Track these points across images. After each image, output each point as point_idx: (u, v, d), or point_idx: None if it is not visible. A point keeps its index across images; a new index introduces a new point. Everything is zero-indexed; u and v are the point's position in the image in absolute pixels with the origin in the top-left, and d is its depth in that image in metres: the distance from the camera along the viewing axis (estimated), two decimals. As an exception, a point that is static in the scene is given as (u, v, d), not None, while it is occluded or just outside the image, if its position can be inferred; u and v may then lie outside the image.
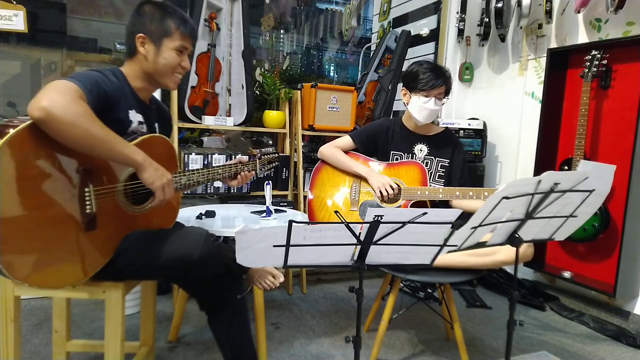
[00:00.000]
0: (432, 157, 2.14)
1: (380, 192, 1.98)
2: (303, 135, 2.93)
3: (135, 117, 1.42)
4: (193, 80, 2.68)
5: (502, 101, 3.19)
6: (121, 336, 1.38)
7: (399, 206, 2.00)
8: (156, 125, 1.56)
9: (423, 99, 2.02)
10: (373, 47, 3.81)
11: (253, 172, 1.73)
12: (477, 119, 3.22)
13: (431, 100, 2.02)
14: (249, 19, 2.82)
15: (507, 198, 1.19)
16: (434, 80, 2.00)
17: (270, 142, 3.35)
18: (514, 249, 1.40)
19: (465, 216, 1.20)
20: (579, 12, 2.55)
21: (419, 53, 3.69)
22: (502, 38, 3.10)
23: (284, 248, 1.11)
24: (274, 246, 1.11)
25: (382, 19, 4.22)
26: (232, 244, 1.16)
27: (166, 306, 2.42)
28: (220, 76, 2.79)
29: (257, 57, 4.10)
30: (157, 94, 1.63)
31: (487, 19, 3.11)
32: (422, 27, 3.71)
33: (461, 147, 2.18)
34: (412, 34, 3.29)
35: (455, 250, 1.28)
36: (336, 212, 1.67)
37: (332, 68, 4.77)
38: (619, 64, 2.44)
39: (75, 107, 1.14)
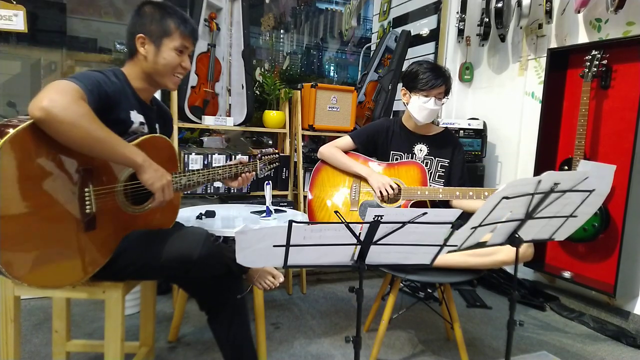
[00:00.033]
0: (432, 157, 2.14)
1: (380, 192, 1.98)
2: (303, 135, 2.93)
3: (136, 117, 1.42)
4: (193, 80, 2.68)
5: (502, 101, 3.19)
6: (121, 336, 1.38)
7: (399, 206, 2.00)
8: (157, 125, 1.56)
9: (423, 99, 2.02)
10: (373, 47, 3.81)
11: (253, 172, 1.73)
12: (477, 119, 3.22)
13: (431, 100, 2.02)
14: (249, 19, 2.83)
15: (507, 198, 1.19)
16: (434, 80, 2.00)
17: (270, 142, 3.35)
18: (514, 249, 1.40)
19: (465, 216, 1.20)
20: (579, 12, 2.55)
21: (419, 53, 3.69)
22: (502, 38, 3.10)
23: (284, 248, 1.11)
24: (274, 246, 1.11)
25: (382, 19, 4.22)
26: (232, 244, 1.16)
27: (166, 306, 2.42)
28: (220, 76, 2.79)
29: (257, 57, 4.10)
30: (156, 94, 1.62)
31: (487, 19, 3.11)
32: (422, 27, 3.71)
33: (461, 147, 2.18)
34: (412, 34, 3.29)
35: (455, 250, 1.28)
36: (336, 212, 1.67)
37: (332, 68, 4.77)
38: (619, 64, 2.44)
39: (75, 107, 1.14)
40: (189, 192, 2.01)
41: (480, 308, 2.67)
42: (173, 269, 1.37)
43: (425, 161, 2.13)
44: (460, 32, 3.30)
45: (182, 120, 2.62)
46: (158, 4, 1.46)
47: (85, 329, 2.12)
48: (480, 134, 3.12)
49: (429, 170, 2.09)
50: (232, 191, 2.67)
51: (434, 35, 3.59)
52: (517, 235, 1.37)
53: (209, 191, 2.61)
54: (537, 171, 2.71)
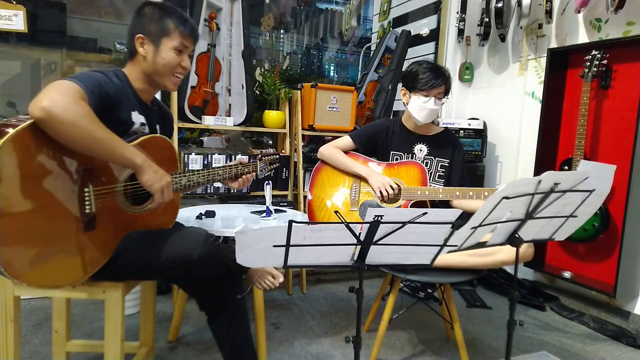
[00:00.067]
0: (432, 157, 2.14)
1: (380, 192, 1.98)
2: (303, 135, 2.93)
3: (137, 118, 1.42)
4: (193, 80, 2.68)
5: (502, 101, 3.19)
6: (121, 336, 1.38)
7: (399, 206, 2.00)
8: (157, 126, 1.56)
9: (423, 99, 2.02)
10: (373, 47, 3.81)
11: (253, 173, 1.73)
12: (477, 119, 3.22)
13: (431, 100, 2.02)
14: (249, 19, 2.82)
15: (507, 198, 1.19)
16: (434, 80, 2.00)
17: (270, 142, 3.35)
18: (514, 249, 1.40)
19: (465, 216, 1.20)
20: (579, 12, 2.55)
21: (419, 53, 3.69)
22: (502, 38, 3.10)
23: (284, 248, 1.11)
24: (274, 246, 1.11)
25: (382, 19, 4.22)
26: (232, 244, 1.16)
27: (166, 306, 2.42)
28: (220, 76, 2.79)
29: (257, 57, 4.10)
30: (156, 94, 1.62)
31: (487, 19, 3.11)
32: (422, 27, 3.71)
33: (461, 147, 2.18)
34: (412, 34, 3.29)
35: (455, 250, 1.28)
36: (336, 212, 1.67)
37: (332, 68, 4.77)
38: (619, 64, 2.44)
39: (76, 107, 1.14)
40: (189, 192, 2.01)
41: (480, 308, 2.67)
42: (173, 269, 1.37)
43: (425, 161, 2.13)
44: (460, 32, 3.30)
45: (182, 120, 2.62)
46: (158, 5, 1.46)
47: (85, 329, 2.12)
48: (480, 134, 3.12)
49: (429, 170, 2.09)
50: (232, 191, 2.67)
51: (434, 35, 3.59)
52: (517, 235, 1.37)
53: (209, 191, 2.61)
54: (537, 171, 2.71)
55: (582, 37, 2.66)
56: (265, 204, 2.11)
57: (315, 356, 2.00)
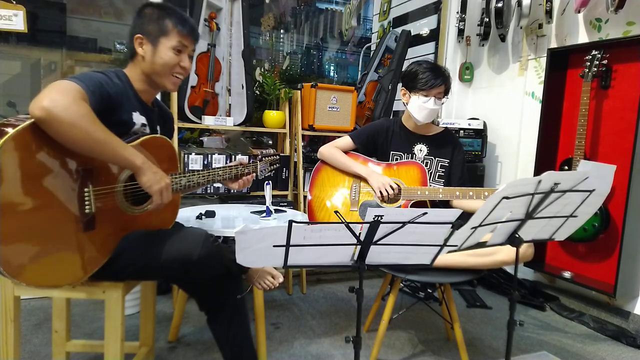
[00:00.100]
0: (432, 157, 2.14)
1: (380, 192, 1.98)
2: (303, 135, 2.93)
3: (138, 119, 1.42)
4: (193, 80, 2.68)
5: (502, 101, 3.19)
6: (121, 336, 1.38)
7: (399, 206, 2.00)
8: (158, 127, 1.56)
9: (422, 99, 2.02)
10: (373, 47, 3.81)
11: (254, 174, 1.73)
12: (477, 119, 3.22)
13: (430, 100, 2.02)
14: (249, 19, 2.83)
15: (507, 198, 1.19)
16: (433, 79, 2.00)
17: (270, 142, 3.35)
18: (514, 249, 1.40)
19: (465, 216, 1.20)
20: (579, 12, 2.55)
21: (419, 53, 3.69)
22: (502, 38, 3.10)
23: (284, 248, 1.11)
24: (274, 246, 1.11)
25: (382, 19, 4.22)
26: (232, 244, 1.16)
27: (166, 306, 2.42)
28: (220, 76, 2.79)
29: (257, 57, 4.10)
30: (157, 95, 1.62)
31: (487, 19, 3.11)
32: (422, 27, 3.71)
33: (461, 147, 2.18)
34: (412, 34, 3.29)
35: (455, 250, 1.28)
36: (336, 212, 1.66)
37: (332, 68, 4.77)
38: (619, 64, 2.44)
39: (76, 107, 1.14)
40: (189, 193, 2.01)
41: (480, 308, 2.67)
42: (173, 269, 1.37)
43: (425, 161, 2.13)
44: (460, 32, 3.30)
45: (182, 120, 2.62)
46: (158, 5, 1.46)
47: (85, 329, 2.12)
48: (480, 134, 3.12)
49: (428, 170, 2.09)
50: (232, 191, 2.67)
51: (434, 35, 3.59)
52: (517, 235, 1.37)
53: (209, 191, 2.61)
54: (537, 171, 2.71)
55: (582, 37, 2.66)
56: (265, 204, 2.11)
57: (315, 356, 2.00)
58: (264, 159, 1.81)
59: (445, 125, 2.80)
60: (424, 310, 2.55)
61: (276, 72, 3.77)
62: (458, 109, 3.47)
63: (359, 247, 1.18)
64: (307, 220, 1.69)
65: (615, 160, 2.41)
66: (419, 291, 2.72)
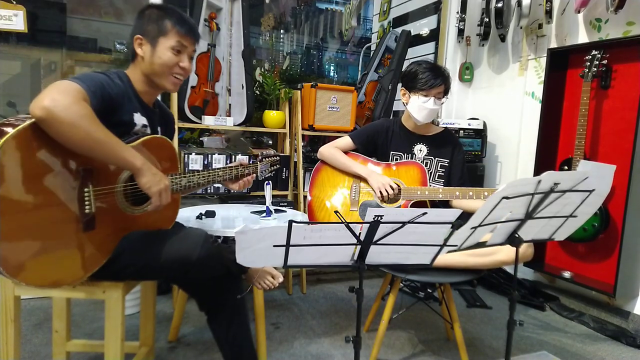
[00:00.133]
0: (432, 157, 2.14)
1: (380, 192, 1.98)
2: (303, 135, 2.93)
3: (140, 120, 1.43)
4: (193, 80, 2.68)
5: (502, 101, 3.19)
6: (121, 336, 1.38)
7: (399, 206, 2.00)
8: (159, 129, 1.57)
9: (422, 99, 2.02)
10: (373, 47, 3.81)
11: (254, 174, 1.73)
12: (477, 119, 3.22)
13: (430, 100, 2.02)
14: (249, 19, 2.83)
15: (507, 198, 1.19)
16: (433, 79, 2.00)
17: (270, 142, 3.35)
18: (514, 249, 1.40)
19: (465, 216, 1.20)
20: (579, 12, 2.55)
21: (419, 53, 3.69)
22: (502, 38, 3.10)
23: (284, 248, 1.11)
24: (274, 246, 1.11)
25: (382, 19, 4.22)
26: (232, 244, 1.16)
27: (166, 306, 2.42)
28: (220, 76, 2.79)
29: (257, 57, 4.10)
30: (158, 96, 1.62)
31: (487, 19, 3.11)
32: (422, 27, 3.71)
33: (461, 147, 2.18)
34: (412, 34, 3.29)
35: (455, 250, 1.28)
36: (336, 212, 1.67)
37: (332, 68, 4.77)
38: (619, 64, 2.44)
39: (76, 108, 1.14)
40: (189, 194, 2.01)
41: (480, 308, 2.67)
42: (172, 269, 1.37)
43: (425, 161, 2.13)
44: (460, 32, 3.30)
45: (182, 120, 2.62)
46: (159, 7, 1.47)
47: (85, 329, 2.12)
48: (480, 134, 3.12)
49: (428, 170, 2.09)
50: (232, 191, 2.67)
51: (434, 35, 3.59)
52: (517, 235, 1.37)
53: (209, 191, 2.61)
54: (537, 171, 2.71)
55: (582, 37, 2.66)
56: (265, 204, 2.11)
57: (315, 356, 2.00)
58: (264, 159, 1.81)
59: (445, 125, 2.80)
60: (424, 310, 2.56)
61: (276, 72, 3.77)
62: (458, 109, 3.47)
63: (359, 247, 1.18)
64: (307, 220, 1.69)
65: (615, 160, 2.41)
66: (419, 291, 2.72)
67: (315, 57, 4.72)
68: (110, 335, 1.37)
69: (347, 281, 3.01)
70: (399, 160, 2.13)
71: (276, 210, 2.21)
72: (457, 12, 3.29)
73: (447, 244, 1.22)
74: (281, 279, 1.72)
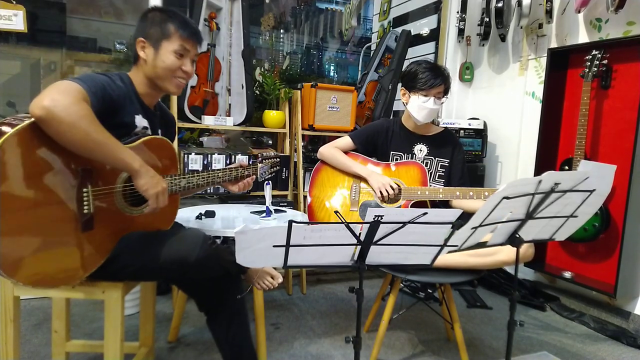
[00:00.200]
0: (432, 157, 2.14)
1: (381, 192, 1.98)
2: (303, 135, 2.93)
3: (141, 122, 1.43)
4: (193, 80, 2.67)
5: (503, 101, 3.19)
6: (121, 336, 1.38)
7: (399, 206, 1.99)
8: (159, 131, 1.57)
9: (422, 99, 2.02)
10: (373, 47, 3.81)
11: (254, 176, 1.73)
12: (477, 118, 3.22)
13: (430, 100, 2.01)
14: (248, 19, 2.82)
15: (507, 198, 1.19)
16: (433, 79, 2.00)
17: (270, 142, 3.35)
18: (515, 249, 1.39)
19: (466, 216, 1.20)
20: (579, 11, 2.55)
21: (419, 53, 3.69)
22: (503, 38, 3.09)
23: (284, 248, 1.11)
24: (274, 246, 1.10)
25: (382, 19, 4.22)
26: (232, 245, 1.16)
27: (166, 306, 2.42)
28: (220, 76, 2.79)
29: (257, 56, 4.10)
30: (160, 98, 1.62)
31: (488, 19, 3.11)
32: (422, 26, 3.71)
33: (461, 146, 2.18)
34: (412, 34, 3.29)
35: (455, 251, 1.28)
36: (336, 212, 1.67)
37: (332, 68, 4.77)
38: (620, 64, 2.44)
39: (76, 108, 1.14)
40: (188, 196, 2.01)
41: (481, 308, 2.67)
42: (171, 271, 1.36)
43: (425, 161, 2.13)
44: (461, 31, 3.30)
45: (182, 120, 2.62)
46: (161, 9, 1.47)
47: (85, 329, 2.12)
48: (480, 134, 3.12)
49: (429, 170, 2.09)
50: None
51: (434, 35, 3.59)
52: (517, 236, 1.36)
53: (208, 191, 2.61)
54: (538, 171, 2.71)
55: (583, 37, 2.65)
56: (265, 204, 2.11)
57: (315, 356, 2.00)
58: (264, 161, 1.81)
59: (445, 125, 2.80)
60: (424, 310, 2.55)
61: (276, 72, 3.76)
62: (458, 109, 3.47)
63: (359, 247, 1.18)
64: (307, 220, 1.68)
65: (616, 160, 2.41)
66: (419, 291, 2.72)
67: (315, 57, 4.72)
68: (109, 335, 1.37)
69: (347, 281, 3.01)
70: (399, 160, 2.12)
71: (276, 211, 2.21)
72: (457, 12, 3.28)
73: (448, 244, 1.22)
74: (281, 280, 1.72)
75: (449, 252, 1.26)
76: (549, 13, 2.72)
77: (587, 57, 2.41)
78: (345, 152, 2.15)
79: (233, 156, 2.62)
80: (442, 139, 2.17)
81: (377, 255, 1.22)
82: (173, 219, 1.57)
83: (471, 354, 2.00)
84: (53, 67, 3.25)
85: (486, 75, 3.35)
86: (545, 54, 2.75)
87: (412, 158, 2.13)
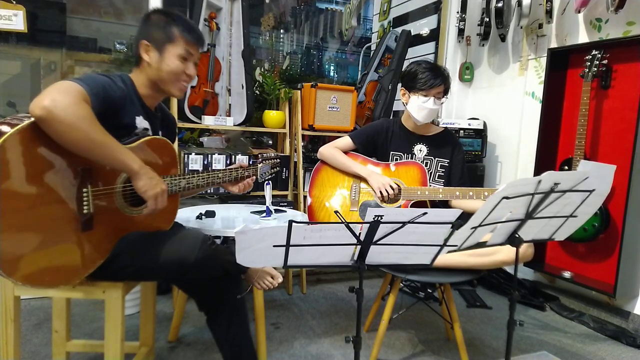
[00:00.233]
0: (432, 157, 2.14)
1: (381, 192, 1.98)
2: (303, 135, 2.93)
3: (141, 123, 1.43)
4: (193, 80, 2.67)
5: (502, 101, 3.19)
6: (121, 336, 1.38)
7: (399, 206, 2.00)
8: (160, 133, 1.57)
9: (422, 99, 2.02)
10: (373, 47, 3.81)
11: (254, 177, 1.73)
12: (477, 119, 3.22)
13: (430, 100, 2.01)
14: (248, 19, 2.82)
15: (507, 198, 1.19)
16: (433, 79, 2.00)
17: (270, 142, 3.35)
18: (514, 249, 1.39)
19: (465, 216, 1.20)
20: (579, 12, 2.55)
21: (419, 53, 3.69)
22: (503, 38, 3.10)
23: (284, 248, 1.11)
24: (274, 246, 1.11)
25: (382, 19, 4.22)
26: (231, 245, 1.16)
27: (166, 306, 2.42)
28: (220, 76, 2.79)
29: (257, 57, 4.10)
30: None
31: (488, 19, 3.11)
32: (422, 26, 3.71)
33: (460, 147, 2.18)
34: (412, 34, 3.29)
35: (455, 250, 1.28)
36: (336, 212, 1.67)
37: (332, 68, 4.77)
38: (619, 64, 2.44)
39: (76, 108, 1.14)
40: (188, 197, 2.01)
41: (480, 308, 2.67)
42: (170, 271, 1.37)
43: (425, 161, 2.13)
44: (461, 31, 3.30)
45: (182, 120, 2.62)
46: (165, 12, 1.47)
47: (85, 329, 2.12)
48: (480, 134, 3.12)
49: (428, 171, 2.09)
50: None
51: (434, 35, 3.59)
52: (517, 235, 1.36)
53: (209, 191, 2.61)
54: (537, 171, 2.71)
55: (582, 37, 2.66)
56: (265, 204, 2.11)
57: (315, 356, 2.00)
58: (264, 161, 1.81)
59: (445, 125, 2.80)
60: (424, 310, 2.55)
61: (276, 72, 3.77)
62: (458, 109, 3.47)
63: (359, 247, 1.18)
64: (307, 220, 1.69)
65: (615, 160, 2.41)
66: (419, 291, 2.72)
67: (315, 57, 4.73)
68: (110, 335, 1.37)
69: (347, 281, 3.01)
70: (398, 161, 2.13)
71: (276, 210, 2.21)
72: (457, 12, 3.29)
73: (447, 244, 1.22)
74: (280, 279, 1.72)
75: (449, 252, 1.27)
76: (549, 13, 2.72)
77: (587, 57, 2.41)
78: (345, 152, 2.15)
79: (233, 156, 2.62)
80: (441, 139, 2.17)
81: (377, 255, 1.22)
82: (173, 219, 1.57)
83: (471, 353, 2.00)
84: (53, 67, 3.25)
85: (486, 75, 3.35)
86: (545, 54, 2.75)
87: (411, 158, 2.13)
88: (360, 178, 2.08)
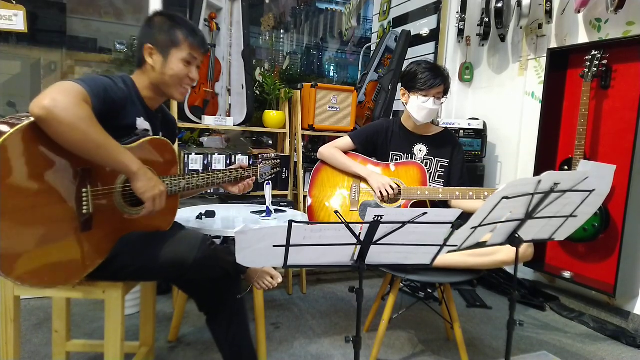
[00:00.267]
0: (432, 157, 2.14)
1: (380, 192, 1.98)
2: (303, 135, 2.93)
3: (142, 124, 1.43)
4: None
5: (502, 101, 3.19)
6: (121, 336, 1.38)
7: (399, 206, 2.00)
8: (160, 133, 1.57)
9: (422, 99, 2.02)
10: (373, 47, 3.81)
11: (254, 177, 1.73)
12: (477, 119, 3.22)
13: (430, 100, 2.02)
14: (249, 19, 2.82)
15: (507, 198, 1.19)
16: (433, 79, 2.00)
17: (270, 142, 3.35)
18: (514, 249, 1.40)
19: (465, 216, 1.20)
20: (579, 12, 2.55)
21: (419, 53, 3.69)
22: (502, 38, 3.10)
23: (284, 248, 1.11)
24: (274, 246, 1.11)
25: (382, 19, 4.22)
26: (231, 245, 1.16)
27: (166, 306, 2.42)
28: (220, 76, 2.79)
29: (257, 57, 4.10)
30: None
31: (487, 19, 3.11)
32: (422, 27, 3.71)
33: (460, 147, 2.18)
34: (412, 34, 3.29)
35: (455, 250, 1.28)
36: (336, 212, 1.67)
37: (332, 68, 4.77)
38: (619, 64, 2.44)
39: (76, 109, 1.14)
40: (188, 198, 2.01)
41: (480, 308, 2.67)
42: (169, 272, 1.37)
43: (424, 161, 2.13)
44: (460, 32, 3.30)
45: (182, 120, 2.62)
46: (168, 15, 1.47)
47: (85, 329, 2.12)
48: (480, 134, 3.12)
49: (428, 171, 2.09)
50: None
51: (434, 35, 3.59)
52: (517, 235, 1.36)
53: (209, 191, 2.61)
54: (537, 171, 2.71)
55: (582, 37, 2.66)
56: (265, 204, 2.11)
57: (315, 356, 2.00)
58: (264, 162, 1.81)
59: (445, 125, 2.80)
60: (424, 310, 2.55)
61: (276, 72, 3.77)
62: (458, 109, 3.47)
63: (359, 247, 1.18)
64: (307, 220, 1.69)
65: (615, 160, 2.41)
66: (419, 291, 2.72)
67: (315, 57, 4.73)
68: (110, 335, 1.37)
69: (347, 281, 3.01)
70: (398, 161, 2.13)
71: (276, 210, 2.21)
72: (457, 12, 3.29)
73: (447, 244, 1.22)
74: (280, 279, 1.72)
75: (449, 252, 1.27)
76: (549, 13, 2.72)
77: (586, 57, 2.41)
78: (345, 152, 2.15)
79: (233, 156, 2.62)
80: (441, 139, 2.17)
81: (377, 255, 1.22)
82: (172, 220, 1.57)
83: (471, 353, 2.00)
84: (53, 67, 3.25)
85: (486, 75, 3.35)
86: (545, 54, 2.75)
87: (411, 158, 2.13)
88: (360, 178, 2.08)
